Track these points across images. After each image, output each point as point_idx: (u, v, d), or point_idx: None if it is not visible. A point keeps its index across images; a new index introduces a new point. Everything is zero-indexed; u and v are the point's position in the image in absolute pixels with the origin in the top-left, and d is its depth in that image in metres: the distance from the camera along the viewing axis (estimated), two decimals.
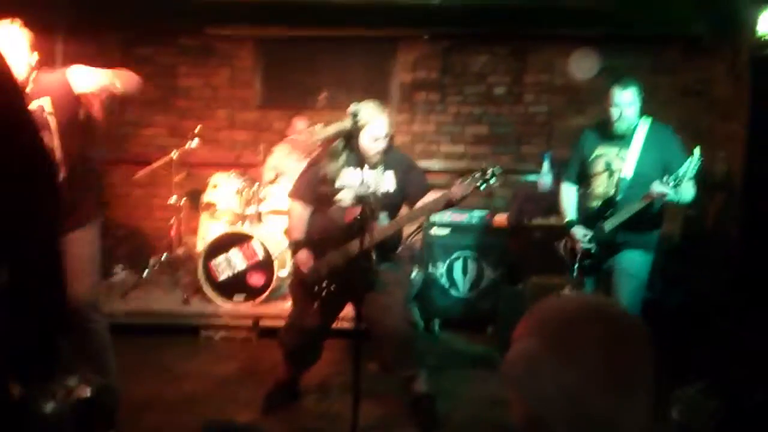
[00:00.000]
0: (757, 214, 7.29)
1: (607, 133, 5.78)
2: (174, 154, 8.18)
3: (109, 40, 9.40)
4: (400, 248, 5.95)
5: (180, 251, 8.71)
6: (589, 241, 5.75)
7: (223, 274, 7.81)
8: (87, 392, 3.91)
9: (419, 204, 5.48)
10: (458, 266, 8.01)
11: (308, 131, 8.64)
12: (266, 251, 7.77)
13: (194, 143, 8.23)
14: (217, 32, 9.69)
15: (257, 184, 8.29)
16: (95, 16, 8.21)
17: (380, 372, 5.85)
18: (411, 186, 5.63)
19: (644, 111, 5.70)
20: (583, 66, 9.24)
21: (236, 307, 7.79)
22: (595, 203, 5.84)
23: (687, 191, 5.43)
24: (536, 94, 9.81)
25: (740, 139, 7.69)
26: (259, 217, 8.28)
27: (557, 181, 6.88)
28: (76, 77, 4.81)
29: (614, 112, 5.62)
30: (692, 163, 5.22)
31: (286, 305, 7.15)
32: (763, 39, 7.11)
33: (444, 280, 8.01)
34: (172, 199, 8.41)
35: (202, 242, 8.44)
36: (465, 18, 8.57)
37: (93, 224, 5.10)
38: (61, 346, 3.18)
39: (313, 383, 6.30)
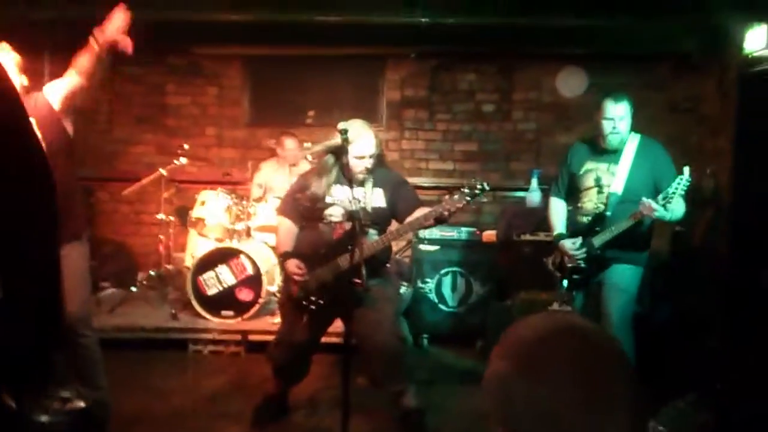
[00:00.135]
0: (744, 230, 7.31)
1: (597, 148, 5.79)
2: (162, 171, 8.20)
3: None
4: (389, 264, 5.96)
5: (169, 267, 8.71)
6: (579, 252, 5.76)
7: (212, 289, 7.80)
8: (82, 404, 3.92)
9: (408, 220, 5.48)
10: (447, 282, 8.04)
11: (297, 149, 8.66)
12: (255, 266, 7.76)
13: (183, 161, 8.25)
14: (205, 51, 9.74)
15: (245, 201, 8.28)
16: (82, 36, 8.21)
17: (369, 387, 5.83)
18: (400, 202, 5.63)
19: (633, 127, 5.71)
20: (571, 84, 9.29)
21: (225, 322, 7.77)
22: (585, 218, 5.84)
23: (676, 209, 5.42)
24: (525, 112, 9.87)
25: (728, 155, 7.71)
26: (248, 232, 8.28)
27: (546, 197, 6.90)
28: (52, 93, 4.84)
29: (606, 126, 5.62)
30: (682, 182, 5.22)
31: (275, 320, 7.16)
32: (750, 56, 7.15)
33: (433, 296, 8.03)
34: (161, 216, 8.41)
35: (190, 258, 8.45)
36: (453, 37, 8.58)
37: (82, 240, 5.11)
38: (55, 360, 3.18)
39: (303, 398, 6.27)
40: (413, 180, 7.84)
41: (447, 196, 5.25)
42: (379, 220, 5.59)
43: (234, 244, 8.02)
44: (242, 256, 7.81)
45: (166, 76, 10.09)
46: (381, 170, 5.68)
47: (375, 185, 5.60)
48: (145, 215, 9.85)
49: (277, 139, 8.87)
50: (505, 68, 9.79)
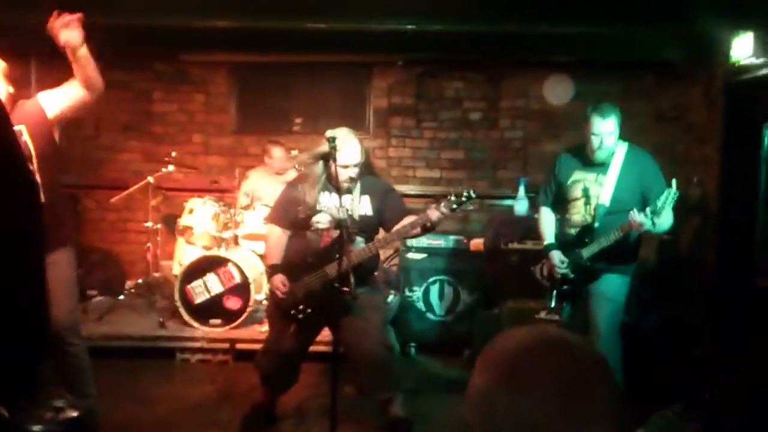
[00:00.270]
0: (731, 238, 7.34)
1: (585, 157, 5.78)
2: (150, 179, 8.19)
3: None
4: (376, 272, 5.95)
5: (156, 275, 8.69)
6: (567, 267, 5.76)
7: (200, 298, 7.78)
8: (74, 414, 3.91)
9: (396, 228, 5.48)
10: (435, 290, 8.02)
11: (285, 157, 8.65)
12: (243, 275, 7.75)
13: (170, 169, 8.24)
14: (192, 58, 9.72)
15: (233, 208, 8.26)
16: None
17: (357, 395, 5.85)
18: (388, 210, 5.63)
19: (620, 135, 5.69)
20: (558, 92, 9.31)
21: (212, 330, 7.74)
22: (573, 230, 5.84)
23: (665, 222, 5.39)
24: (511, 120, 9.88)
25: (715, 163, 7.73)
26: (235, 240, 8.27)
27: (533, 206, 6.90)
28: (49, 101, 4.81)
29: (594, 141, 5.59)
30: (670, 195, 5.21)
31: (263, 329, 7.15)
32: (736, 65, 7.16)
33: (420, 304, 8.02)
34: (148, 224, 8.40)
35: (178, 266, 8.43)
36: (439, 44, 8.59)
37: (69, 248, 5.08)
38: (42, 369, 3.17)
39: (290, 407, 6.26)
40: (400, 188, 7.84)
41: (434, 204, 5.25)
42: (366, 228, 5.59)
43: (222, 252, 8.00)
44: (230, 265, 7.79)
45: (153, 82, 10.08)
46: (368, 178, 5.68)
47: (362, 193, 5.61)
48: (133, 223, 9.83)
49: (264, 148, 8.87)
50: (492, 76, 9.80)
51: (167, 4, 7.13)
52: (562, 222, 6.03)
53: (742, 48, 7.07)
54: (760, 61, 6.87)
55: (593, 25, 7.55)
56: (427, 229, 5.34)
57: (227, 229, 8.16)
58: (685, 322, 7.18)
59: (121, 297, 8.68)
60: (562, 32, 7.87)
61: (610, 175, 5.66)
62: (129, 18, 7.16)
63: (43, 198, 4.64)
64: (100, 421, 5.28)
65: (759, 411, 5.19)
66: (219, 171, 9.82)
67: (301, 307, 5.45)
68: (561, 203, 6.03)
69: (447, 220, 5.32)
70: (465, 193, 5.14)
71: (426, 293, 8.03)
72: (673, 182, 5.27)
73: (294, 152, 8.55)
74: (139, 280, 8.75)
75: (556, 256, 5.84)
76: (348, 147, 5.41)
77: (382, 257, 5.92)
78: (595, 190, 5.71)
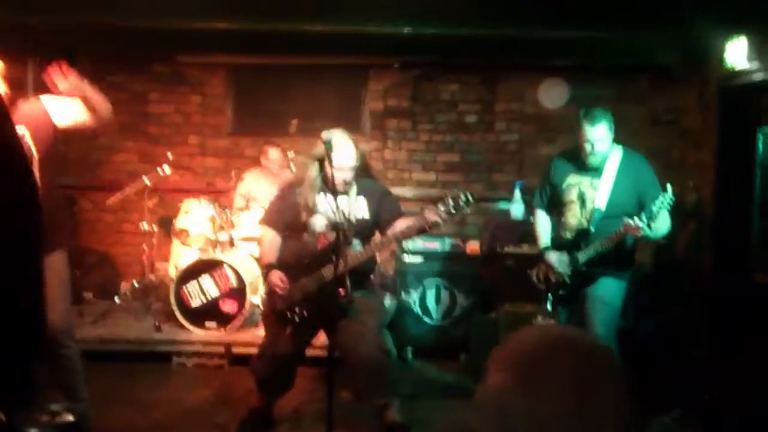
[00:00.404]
0: (727, 243, 7.34)
1: (580, 161, 5.76)
2: (146, 180, 8.17)
3: (80, 68, 9.35)
4: (373, 275, 5.95)
5: (152, 277, 8.68)
6: (564, 269, 5.76)
7: (196, 301, 7.76)
8: (71, 418, 3.89)
9: (392, 230, 5.47)
10: (431, 294, 8.01)
11: (281, 159, 8.65)
12: (239, 278, 7.74)
13: (166, 170, 8.21)
14: (188, 59, 9.70)
15: (228, 210, 8.25)
16: (67, 42, 8.18)
17: (353, 400, 5.85)
18: (384, 212, 5.64)
19: (615, 139, 5.68)
20: (553, 95, 9.31)
21: (208, 334, 7.73)
22: (569, 234, 5.84)
23: (661, 226, 5.41)
24: (507, 123, 9.87)
25: (710, 168, 7.74)
26: (231, 243, 8.26)
27: (529, 209, 6.90)
28: (56, 109, 4.81)
29: (587, 147, 5.59)
30: (665, 200, 5.21)
31: (259, 332, 7.13)
32: (731, 69, 7.17)
33: (417, 308, 8.00)
34: (144, 225, 8.38)
35: (174, 268, 8.41)
36: (435, 47, 8.58)
37: (63, 250, 5.07)
38: (35, 372, 3.16)
39: (287, 411, 6.25)
40: (396, 190, 7.84)
41: (431, 207, 5.25)
42: (363, 230, 5.60)
43: (218, 254, 7.99)
44: (226, 267, 7.79)
45: (150, 84, 10.05)
46: (365, 180, 5.70)
47: (359, 195, 5.61)
48: (129, 224, 9.79)
49: (261, 149, 8.86)
50: (488, 79, 9.80)
51: (164, 5, 7.12)
52: (557, 225, 6.03)
53: (736, 53, 7.07)
54: (755, 65, 6.88)
55: (588, 30, 7.55)
56: (423, 232, 5.35)
57: (223, 231, 8.14)
58: (681, 325, 7.19)
59: (117, 300, 8.65)
60: (558, 36, 7.87)
61: (605, 179, 5.65)
62: (126, 19, 7.15)
63: (42, 200, 4.65)
64: (94, 425, 5.27)
65: (758, 411, 5.21)
66: (215, 173, 9.82)
67: (297, 310, 5.45)
68: (556, 206, 6.02)
69: (444, 222, 5.31)
70: (463, 198, 5.12)
71: (422, 297, 8.01)
72: (669, 187, 5.27)
73: (290, 154, 8.54)
74: (135, 283, 8.72)
75: (553, 257, 5.83)
76: (343, 150, 5.41)
77: (378, 260, 5.91)
78: (591, 194, 5.70)
